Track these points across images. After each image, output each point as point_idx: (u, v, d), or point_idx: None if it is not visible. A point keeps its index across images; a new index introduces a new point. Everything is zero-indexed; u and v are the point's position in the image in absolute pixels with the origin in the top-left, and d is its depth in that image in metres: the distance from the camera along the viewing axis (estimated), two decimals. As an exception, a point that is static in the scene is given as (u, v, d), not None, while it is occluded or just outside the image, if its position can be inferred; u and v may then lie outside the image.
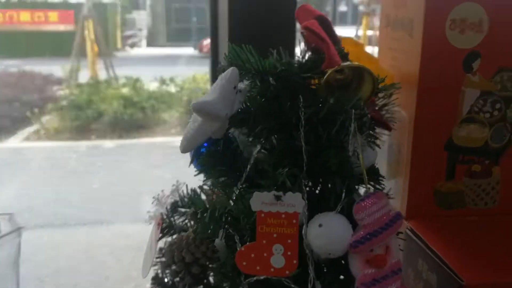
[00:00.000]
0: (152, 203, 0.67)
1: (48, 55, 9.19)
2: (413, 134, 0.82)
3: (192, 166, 0.65)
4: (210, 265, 0.57)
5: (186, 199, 0.62)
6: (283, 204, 0.52)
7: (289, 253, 0.53)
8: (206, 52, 10.22)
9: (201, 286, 0.56)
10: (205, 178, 0.64)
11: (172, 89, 6.30)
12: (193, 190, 0.66)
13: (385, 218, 0.55)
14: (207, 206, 0.59)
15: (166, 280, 0.62)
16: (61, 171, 4.75)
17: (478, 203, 0.86)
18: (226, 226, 0.59)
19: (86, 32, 6.90)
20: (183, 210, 0.63)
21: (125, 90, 6.06)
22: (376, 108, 0.62)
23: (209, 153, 0.64)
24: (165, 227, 0.63)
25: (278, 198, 0.52)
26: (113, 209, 3.96)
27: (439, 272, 0.72)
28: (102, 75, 7.12)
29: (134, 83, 6.18)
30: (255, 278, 0.54)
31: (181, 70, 6.97)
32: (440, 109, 0.81)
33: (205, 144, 0.65)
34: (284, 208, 0.52)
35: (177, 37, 12.58)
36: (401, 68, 0.85)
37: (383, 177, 0.63)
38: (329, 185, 0.56)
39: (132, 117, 5.62)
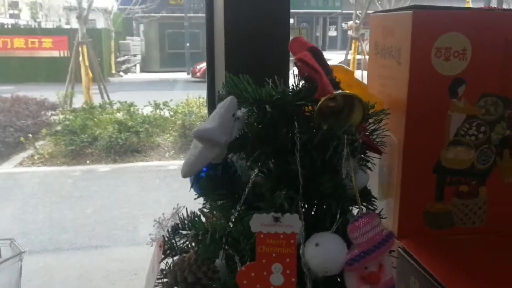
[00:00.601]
0: (153, 226, 0.70)
1: (42, 81, 9.24)
2: (403, 157, 0.86)
3: (188, 189, 0.68)
4: (212, 285, 0.60)
5: (186, 222, 0.65)
6: (281, 225, 0.55)
7: (287, 271, 0.55)
8: (199, 77, 10.30)
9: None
10: (204, 201, 0.67)
11: (166, 113, 6.34)
12: (193, 213, 0.69)
13: (378, 237, 0.58)
14: (208, 228, 0.62)
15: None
16: (56, 196, 4.74)
17: (466, 222, 0.89)
18: (226, 247, 0.62)
19: (80, 57, 6.96)
20: (184, 232, 0.66)
21: (119, 115, 6.09)
22: (367, 133, 0.65)
23: (208, 177, 0.67)
24: (167, 249, 0.66)
25: (276, 219, 0.56)
26: (107, 233, 3.95)
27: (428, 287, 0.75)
28: (97, 100, 7.15)
29: (129, 107, 6.21)
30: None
31: (174, 94, 7.02)
32: (428, 133, 0.85)
33: (205, 169, 0.69)
34: (282, 229, 0.55)
35: (171, 62, 12.70)
36: (390, 94, 0.89)
37: (375, 198, 0.66)
38: (324, 207, 0.60)
39: (127, 142, 5.64)
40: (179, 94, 7.05)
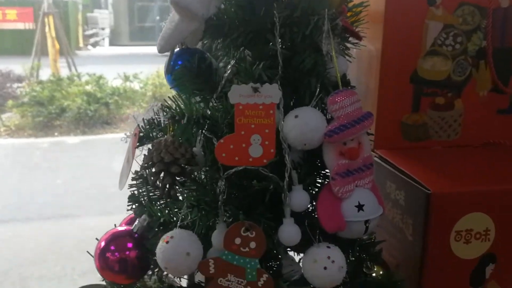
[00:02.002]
0: (128, 121, 0.68)
1: (7, 54, 8.96)
2: (380, 67, 0.85)
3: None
4: (189, 168, 0.58)
5: (164, 109, 0.63)
6: (260, 96, 0.54)
7: (266, 142, 0.54)
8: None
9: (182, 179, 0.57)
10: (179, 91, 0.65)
11: (136, 86, 6.24)
12: (170, 97, 0.66)
13: (358, 113, 0.57)
14: (184, 111, 0.60)
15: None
16: (24, 168, 4.63)
17: (442, 135, 0.90)
18: (203, 131, 0.60)
19: (46, 29, 6.76)
20: (161, 119, 0.64)
21: (88, 87, 5.97)
22: (347, 19, 0.64)
23: (184, 67, 0.65)
24: (143, 137, 0.64)
25: (255, 90, 0.54)
26: (77, 203, 3.88)
27: (407, 188, 0.75)
28: (64, 73, 6.98)
29: (98, 79, 6.09)
30: (233, 170, 0.55)
31: (144, 68, 6.89)
32: (405, 42, 0.84)
33: (180, 62, 0.67)
34: (261, 100, 0.54)
35: (140, 36, 12.45)
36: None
37: (354, 86, 0.65)
38: (304, 85, 0.58)
39: (96, 113, 5.54)
40: (149, 68, 6.93)
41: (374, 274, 0.72)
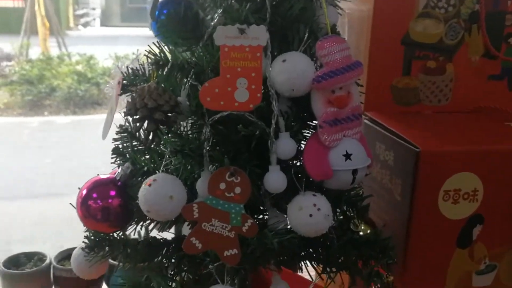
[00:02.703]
0: (112, 71, 0.66)
1: (-4, 32, 8.85)
2: (372, 28, 0.84)
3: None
4: (173, 115, 0.57)
5: (148, 56, 0.61)
6: (247, 38, 0.53)
7: (253, 86, 0.53)
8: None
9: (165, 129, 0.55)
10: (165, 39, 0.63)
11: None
12: (155, 43, 0.64)
13: (347, 61, 0.56)
14: (169, 58, 0.58)
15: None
16: (13, 146, 4.59)
17: (432, 100, 0.89)
18: (188, 79, 0.58)
19: (36, 7, 6.66)
20: (146, 69, 0.63)
21: (78, 67, 5.91)
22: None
23: (170, 16, 0.63)
24: (126, 85, 0.62)
25: (242, 31, 0.53)
26: (67, 182, 3.85)
27: (396, 148, 0.74)
28: (54, 52, 6.90)
29: (88, 60, 6.02)
30: (218, 115, 0.54)
31: (136, 49, 6.84)
32: (398, 3, 0.83)
33: (165, 11, 0.65)
34: (248, 42, 0.53)
35: (132, 17, 12.31)
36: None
37: (344, 38, 0.63)
38: (292, 32, 0.57)
39: (87, 93, 5.49)
40: (140, 50, 6.87)
41: (361, 233, 0.71)
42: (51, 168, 4.27)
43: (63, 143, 4.78)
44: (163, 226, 0.67)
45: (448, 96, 0.89)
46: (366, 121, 0.83)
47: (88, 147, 4.56)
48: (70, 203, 0.67)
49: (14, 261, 0.95)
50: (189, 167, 0.57)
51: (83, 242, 0.63)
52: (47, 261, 0.94)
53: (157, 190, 0.51)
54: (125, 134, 0.68)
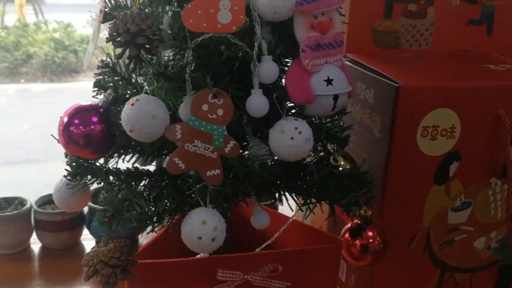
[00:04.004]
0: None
1: (-30, -1, 8.58)
2: (354, -31, 0.84)
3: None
4: (156, 39, 0.56)
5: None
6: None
7: (236, 8, 0.53)
8: (142, -1, 9.82)
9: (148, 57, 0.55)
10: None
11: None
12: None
13: (329, -14, 0.56)
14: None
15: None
16: (-11, 113, 4.51)
17: (413, 44, 0.90)
18: (170, 7, 0.58)
19: (12, -28, 6.48)
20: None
21: (56, 35, 5.78)
22: None
23: None
24: (108, 12, 0.61)
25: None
26: (45, 149, 3.81)
27: (376, 85, 0.75)
28: (31, 19, 6.74)
29: (66, 27, 5.90)
30: (201, 38, 0.54)
31: None
32: None
33: None
34: (231, -37, 0.52)
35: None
36: None
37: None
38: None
39: (64, 61, 5.39)
40: None
41: (340, 168, 0.72)
42: (29, 134, 4.22)
43: (40, 111, 4.71)
44: (145, 159, 0.68)
45: (428, 40, 0.90)
46: (347, 62, 0.83)
47: (67, 115, 4.48)
48: (52, 135, 0.67)
49: (-5, 205, 0.94)
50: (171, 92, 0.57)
51: (65, 169, 0.63)
52: (28, 205, 0.94)
53: (140, 109, 0.51)
54: (106, 69, 0.68)
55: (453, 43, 0.90)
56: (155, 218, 0.56)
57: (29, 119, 4.50)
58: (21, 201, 0.96)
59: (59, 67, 5.43)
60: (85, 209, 0.97)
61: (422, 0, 0.87)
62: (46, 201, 0.97)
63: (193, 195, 0.57)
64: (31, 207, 0.94)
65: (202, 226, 0.53)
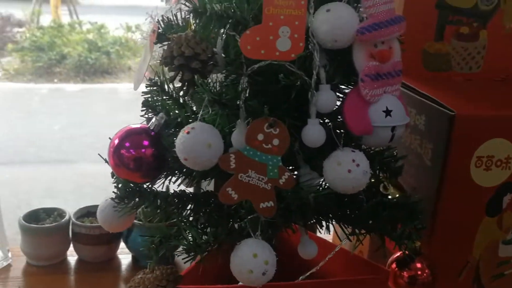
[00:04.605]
0: (145, 20, 0.65)
1: (7, -1, 8.78)
2: (406, -10, 0.81)
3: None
4: (210, 64, 0.55)
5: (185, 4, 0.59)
6: (291, -15, 0.51)
7: (295, 35, 0.51)
8: (174, 2, 9.91)
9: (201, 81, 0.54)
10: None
11: (138, 37, 6.13)
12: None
13: (391, 14, 0.54)
14: (207, 4, 0.56)
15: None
16: (22, 112, 4.59)
17: (464, 67, 0.87)
18: (225, 30, 0.57)
19: (48, -26, 6.61)
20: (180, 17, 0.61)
21: (89, 36, 5.87)
22: None
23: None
24: (161, 33, 0.61)
25: (287, -22, 0.51)
26: (75, 150, 3.86)
27: (428, 111, 0.73)
28: (65, 20, 6.85)
29: (99, 28, 5.98)
30: (258, 65, 0.53)
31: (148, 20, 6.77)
32: (434, -34, 0.81)
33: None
34: (292, -12, 0.51)
35: (144, -13, 12.18)
36: None
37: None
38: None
39: (97, 62, 5.46)
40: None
41: (390, 196, 0.70)
42: (60, 134, 4.28)
43: (72, 111, 4.77)
44: (191, 181, 0.67)
45: (479, 63, 0.87)
46: (396, 85, 0.81)
47: (97, 115, 4.56)
48: (99, 154, 0.66)
49: (34, 216, 0.94)
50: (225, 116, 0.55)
51: (113, 192, 0.62)
52: (67, 217, 0.94)
53: (195, 138, 0.50)
54: (155, 88, 0.67)
55: (504, 67, 0.87)
56: (204, 247, 0.54)
57: (60, 119, 4.56)
58: (60, 213, 0.96)
59: (91, 68, 5.51)
60: (124, 223, 0.96)
61: (475, 23, 0.85)
62: (85, 213, 0.97)
63: (242, 225, 0.55)
64: (69, 219, 0.94)
65: (254, 260, 0.52)
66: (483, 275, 0.76)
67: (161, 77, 0.64)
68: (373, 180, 0.69)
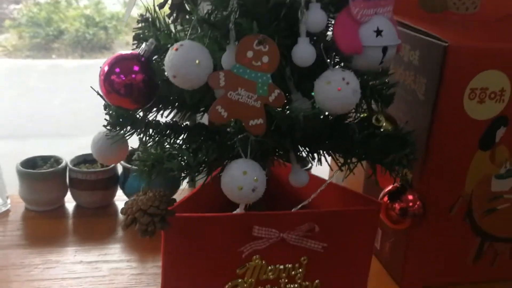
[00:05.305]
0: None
1: (4, -25, 8.69)
2: None
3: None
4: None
5: None
6: None
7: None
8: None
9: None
10: None
11: (136, 13, 6.08)
12: None
13: None
14: None
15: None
16: (21, 88, 4.58)
17: (460, 7, 0.86)
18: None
19: (44, -52, 6.53)
20: None
21: (86, 11, 5.83)
22: None
23: None
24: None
25: None
26: (75, 124, 3.86)
27: (422, 45, 0.72)
28: (62, -4, 6.80)
29: (96, 4, 5.94)
30: (248, -17, 0.52)
31: (145, -5, 6.71)
32: None
33: None
34: None
35: (141, -37, 12.04)
36: None
37: None
38: None
39: (94, 37, 5.43)
40: (150, -4, 6.75)
41: (382, 129, 0.70)
42: (59, 109, 4.27)
43: (71, 86, 4.76)
44: (184, 115, 0.67)
45: (476, 4, 0.86)
46: (390, 24, 0.80)
47: (96, 90, 4.52)
48: (91, 87, 0.66)
49: (32, 163, 0.95)
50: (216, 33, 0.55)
51: (104, 119, 0.62)
52: (63, 163, 0.95)
53: (184, 55, 0.50)
54: (146, 23, 0.66)
55: (501, 7, 0.86)
56: (195, 168, 0.55)
57: (59, 94, 4.55)
58: (56, 159, 0.96)
59: (89, 44, 5.48)
60: (119, 170, 0.97)
61: (472, -39, 0.84)
62: (81, 160, 0.98)
63: (233, 147, 0.56)
64: (66, 165, 0.95)
65: (243, 177, 0.52)
66: (475, 210, 0.77)
67: (153, 14, 0.64)
68: (365, 114, 0.70)
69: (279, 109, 0.54)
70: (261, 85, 0.52)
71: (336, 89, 0.53)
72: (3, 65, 5.17)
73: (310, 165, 0.99)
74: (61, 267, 0.80)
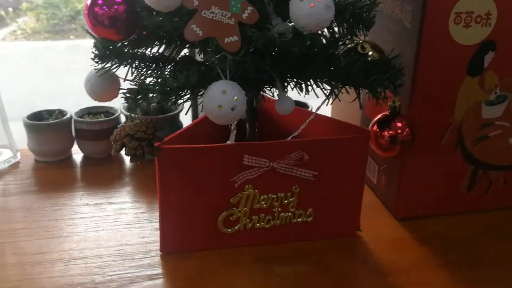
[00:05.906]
0: None
1: (20, -40, 8.77)
2: None
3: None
4: None
5: None
6: None
7: None
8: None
9: None
10: None
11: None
12: None
13: None
14: None
15: None
16: (42, 69, 4.65)
17: None
18: None
19: None
20: None
21: (102, -9, 5.86)
22: None
23: None
24: None
25: None
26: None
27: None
28: (78, -23, 6.83)
29: (112, -17, 5.97)
30: None
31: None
32: None
33: None
34: None
35: None
36: None
37: None
38: None
39: (111, 16, 5.47)
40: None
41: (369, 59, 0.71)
42: (79, 87, 4.31)
43: (89, 66, 4.79)
44: (172, 50, 0.69)
45: None
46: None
47: (115, 69, 4.55)
48: (81, 26, 0.68)
49: (38, 116, 0.99)
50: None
51: (92, 52, 0.65)
52: (68, 115, 0.98)
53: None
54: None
55: None
56: (176, 90, 0.57)
57: (79, 74, 4.58)
58: (61, 112, 1.00)
59: (106, 23, 5.51)
60: (123, 119, 1.00)
61: None
62: (86, 112, 1.01)
63: (213, 69, 0.57)
64: (71, 117, 0.98)
65: (222, 96, 0.54)
66: (466, 138, 0.77)
67: None
68: (352, 45, 0.71)
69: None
70: (234, 2, 0.53)
71: (309, 5, 0.54)
72: (23, 48, 5.25)
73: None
74: (68, 209, 0.83)
